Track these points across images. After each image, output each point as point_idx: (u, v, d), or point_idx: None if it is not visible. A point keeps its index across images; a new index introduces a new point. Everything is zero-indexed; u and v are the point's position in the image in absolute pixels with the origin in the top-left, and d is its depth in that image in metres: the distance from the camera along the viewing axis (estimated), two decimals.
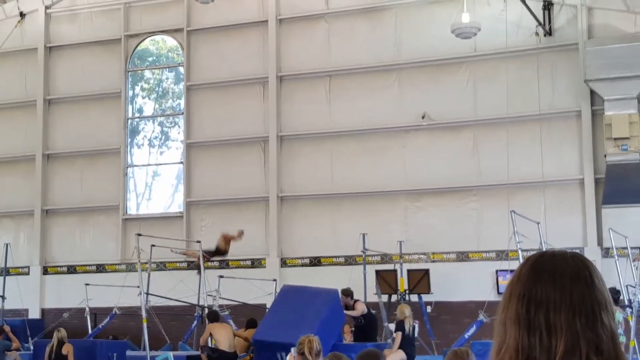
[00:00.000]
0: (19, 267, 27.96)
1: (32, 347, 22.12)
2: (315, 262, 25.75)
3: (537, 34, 23.94)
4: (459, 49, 24.51)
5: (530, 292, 2.10)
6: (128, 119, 28.86)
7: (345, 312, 18.39)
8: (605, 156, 22.96)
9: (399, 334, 16.89)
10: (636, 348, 17.44)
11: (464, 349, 7.33)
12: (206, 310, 21.46)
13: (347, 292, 18.87)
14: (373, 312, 19.49)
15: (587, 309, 2.07)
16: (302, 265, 25.84)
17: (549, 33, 24.10)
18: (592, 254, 22.11)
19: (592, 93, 23.45)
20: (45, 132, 29.17)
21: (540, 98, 23.61)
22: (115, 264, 27.62)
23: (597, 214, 23.19)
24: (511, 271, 21.03)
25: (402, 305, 18.66)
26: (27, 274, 28.55)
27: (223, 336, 18.27)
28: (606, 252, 21.95)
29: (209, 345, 18.52)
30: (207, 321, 19.72)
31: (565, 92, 24.05)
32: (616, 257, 19.23)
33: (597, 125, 23.52)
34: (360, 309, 18.72)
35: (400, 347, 16.61)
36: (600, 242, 23.00)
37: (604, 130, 23.03)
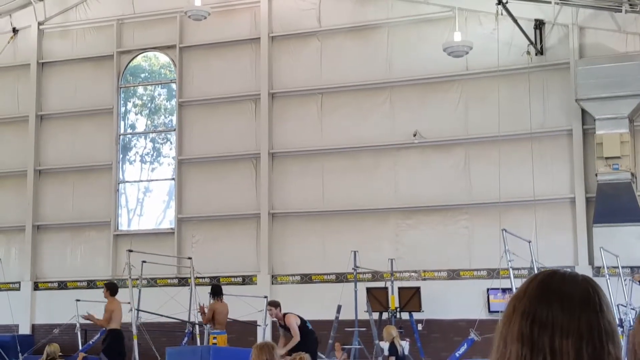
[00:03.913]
0: (9, 283, 27.84)
1: None
2: (306, 279, 25.71)
3: (528, 53, 23.99)
4: (450, 68, 24.57)
5: (536, 312, 2.04)
6: (120, 135, 28.84)
7: (288, 331, 17.05)
8: (596, 175, 22.98)
9: (393, 358, 17.19)
10: None
11: None
12: (197, 327, 21.46)
13: (274, 303, 17.54)
14: (308, 325, 17.49)
15: (594, 338, 2.00)
16: (293, 282, 25.80)
17: (540, 52, 24.17)
18: (583, 272, 22.04)
19: (584, 112, 23.51)
20: (37, 147, 29.11)
21: (531, 117, 23.63)
22: (106, 280, 27.48)
23: (588, 233, 23.20)
24: (502, 290, 21.17)
25: (388, 327, 18.75)
26: (18, 289, 28.46)
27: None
28: (597, 271, 21.96)
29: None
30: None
31: (557, 111, 24.10)
32: (607, 276, 19.25)
33: (588, 145, 23.56)
34: (294, 322, 16.98)
35: None
36: (591, 261, 23.01)
37: (595, 150, 23.07)
